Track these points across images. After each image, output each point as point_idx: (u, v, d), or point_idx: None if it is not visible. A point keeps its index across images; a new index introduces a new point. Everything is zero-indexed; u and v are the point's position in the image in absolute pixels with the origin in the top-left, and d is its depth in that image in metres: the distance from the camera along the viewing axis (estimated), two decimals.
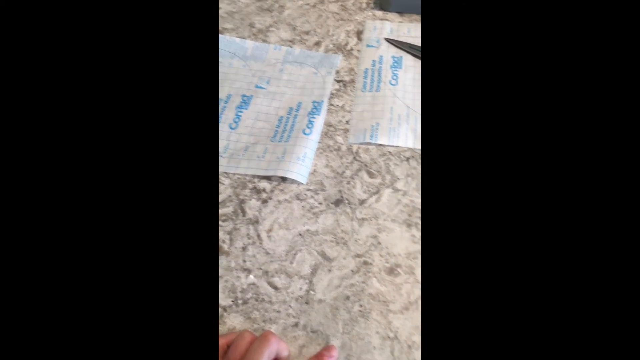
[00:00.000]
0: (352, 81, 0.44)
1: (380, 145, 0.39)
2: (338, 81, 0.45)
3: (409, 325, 0.29)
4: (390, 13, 0.50)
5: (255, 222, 0.35)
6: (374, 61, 0.46)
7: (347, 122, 0.41)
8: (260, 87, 0.43)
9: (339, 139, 0.40)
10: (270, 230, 0.35)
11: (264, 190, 0.37)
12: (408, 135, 0.39)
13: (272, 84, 0.44)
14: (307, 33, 0.49)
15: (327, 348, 0.28)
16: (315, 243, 0.34)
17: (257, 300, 0.31)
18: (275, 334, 0.27)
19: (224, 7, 0.50)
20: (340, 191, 0.37)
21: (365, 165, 0.38)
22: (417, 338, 0.29)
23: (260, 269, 0.32)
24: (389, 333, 0.29)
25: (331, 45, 0.48)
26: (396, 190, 0.36)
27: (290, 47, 0.48)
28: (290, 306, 0.31)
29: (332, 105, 0.43)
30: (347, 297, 0.31)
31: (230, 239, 0.34)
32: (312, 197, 0.36)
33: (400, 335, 0.29)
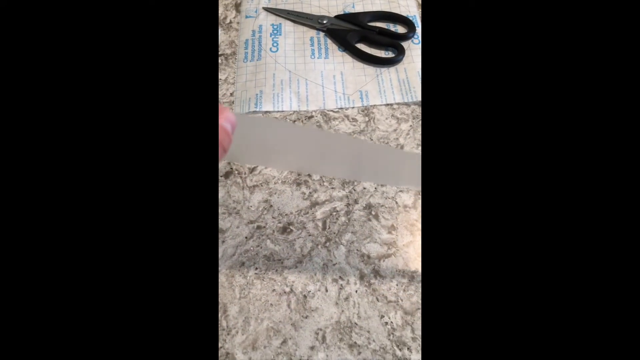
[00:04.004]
0: (234, 53, 0.44)
1: (266, 112, 0.39)
2: (219, 55, 0.44)
3: (304, 277, 0.30)
4: None
5: None
6: (253, 31, 0.45)
7: (231, 94, 0.41)
8: None
9: None
10: None
11: None
12: (292, 98, 0.40)
13: None
14: None
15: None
16: None
17: None
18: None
19: None
20: (229, 163, 0.36)
21: None
22: (312, 287, 0.30)
23: None
24: (285, 288, 0.30)
25: None
26: None
27: None
28: None
29: None
30: (243, 264, 0.31)
31: None
32: None
33: (295, 287, 0.30)
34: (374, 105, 0.39)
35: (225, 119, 0.23)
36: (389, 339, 0.28)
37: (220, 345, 0.28)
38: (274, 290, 0.30)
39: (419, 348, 0.27)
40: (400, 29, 0.45)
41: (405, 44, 0.43)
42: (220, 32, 0.45)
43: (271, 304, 0.29)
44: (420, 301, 0.29)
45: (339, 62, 0.42)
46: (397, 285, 0.30)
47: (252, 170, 0.36)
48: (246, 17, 0.47)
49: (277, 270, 0.31)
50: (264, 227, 0.33)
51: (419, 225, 0.32)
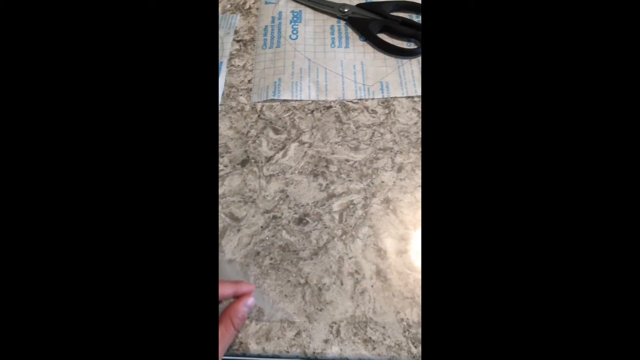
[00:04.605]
0: (253, 40, 0.43)
1: (284, 100, 0.39)
2: (238, 41, 0.43)
3: (319, 269, 0.30)
4: None
5: None
6: (273, 18, 0.44)
7: (249, 81, 0.40)
8: None
9: (242, 99, 0.39)
10: None
11: None
12: (311, 87, 0.39)
13: None
14: None
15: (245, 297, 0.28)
16: (222, 206, 0.33)
17: None
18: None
19: None
20: (246, 151, 0.36)
21: (270, 122, 0.37)
22: (327, 280, 0.29)
23: None
24: (300, 280, 0.29)
25: (229, 6, 0.46)
26: (302, 143, 0.36)
27: None
28: None
29: (233, 65, 0.41)
30: (258, 253, 0.31)
31: None
32: None
33: (310, 279, 0.29)
34: (395, 97, 0.39)
35: (244, 303, 0.28)
36: (404, 336, 0.27)
37: None
38: (288, 281, 0.29)
39: None
40: None
41: None
42: (239, 17, 0.45)
43: (285, 295, 0.29)
44: None
45: (359, 51, 0.41)
46: (413, 281, 0.29)
47: (268, 159, 0.35)
48: (266, 3, 0.46)
49: (292, 261, 0.30)
50: (280, 217, 0.32)
51: None
